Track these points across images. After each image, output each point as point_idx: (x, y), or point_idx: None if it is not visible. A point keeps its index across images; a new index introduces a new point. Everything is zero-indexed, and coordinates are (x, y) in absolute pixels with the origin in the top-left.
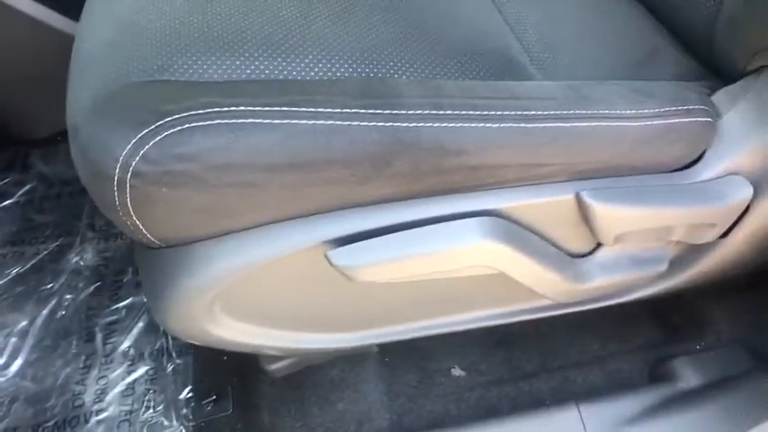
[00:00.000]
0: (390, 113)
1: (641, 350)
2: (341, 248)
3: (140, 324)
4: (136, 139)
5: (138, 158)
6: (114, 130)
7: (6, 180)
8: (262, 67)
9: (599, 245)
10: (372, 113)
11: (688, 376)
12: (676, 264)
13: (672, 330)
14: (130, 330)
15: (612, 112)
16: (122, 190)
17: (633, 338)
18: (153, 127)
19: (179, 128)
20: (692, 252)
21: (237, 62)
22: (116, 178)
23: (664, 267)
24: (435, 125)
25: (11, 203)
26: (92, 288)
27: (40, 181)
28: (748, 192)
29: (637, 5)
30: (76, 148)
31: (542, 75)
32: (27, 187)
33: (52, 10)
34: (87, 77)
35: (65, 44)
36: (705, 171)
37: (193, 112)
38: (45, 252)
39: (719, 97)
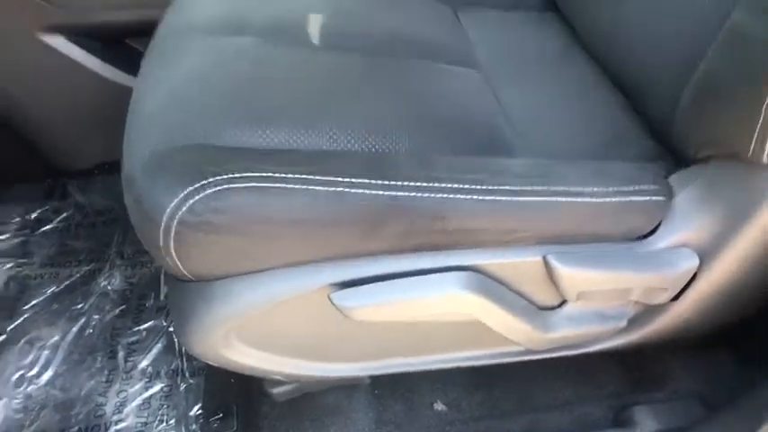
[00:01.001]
0: (388, 184)
1: (608, 397)
2: (342, 291)
3: (159, 345)
4: (183, 194)
5: (183, 210)
6: (165, 186)
7: (47, 208)
8: (288, 137)
9: (564, 300)
10: (374, 183)
11: (648, 424)
12: (635, 321)
13: (636, 380)
14: (150, 350)
15: (578, 189)
16: (167, 234)
17: (602, 386)
18: (197, 185)
19: (218, 188)
20: (649, 311)
21: (268, 131)
22: (163, 225)
23: (623, 324)
24: (425, 195)
25: (49, 229)
26: (117, 310)
27: (77, 210)
28: (695, 262)
29: (615, 92)
30: (131, 197)
31: (522, 151)
32: (64, 215)
33: (107, 63)
34: (143, 136)
35: (106, 89)
36: (658, 242)
37: (231, 176)
38: (78, 275)
39: (674, 179)
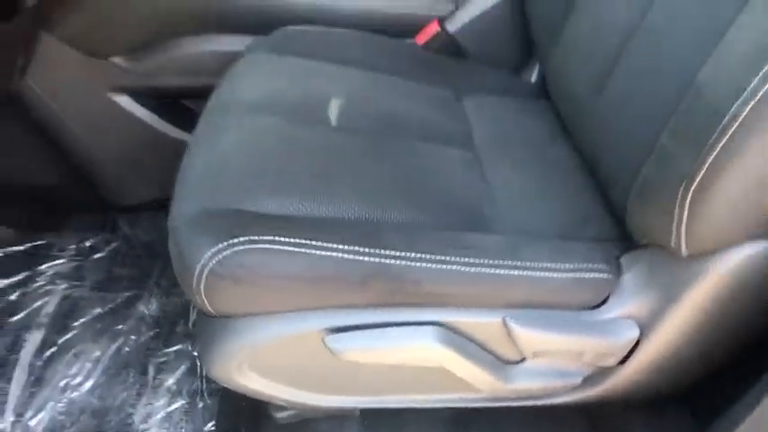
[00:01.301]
0: (375, 252)
1: None
2: (334, 335)
3: (183, 367)
4: (215, 250)
5: (213, 262)
6: (201, 241)
7: (99, 238)
8: (299, 206)
9: (524, 357)
10: (363, 251)
11: None
12: (590, 379)
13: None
14: (175, 371)
15: (538, 265)
16: (199, 279)
17: None
18: (227, 244)
19: (242, 247)
20: (602, 372)
21: (285, 200)
22: (197, 272)
23: (578, 381)
24: (404, 263)
25: (100, 257)
26: (151, 333)
27: (124, 241)
28: (636, 333)
29: (589, 177)
30: (173, 244)
31: (497, 228)
32: (114, 245)
33: (162, 119)
34: (190, 195)
35: (159, 140)
36: (606, 313)
37: (252, 238)
38: (120, 300)
39: (625, 259)
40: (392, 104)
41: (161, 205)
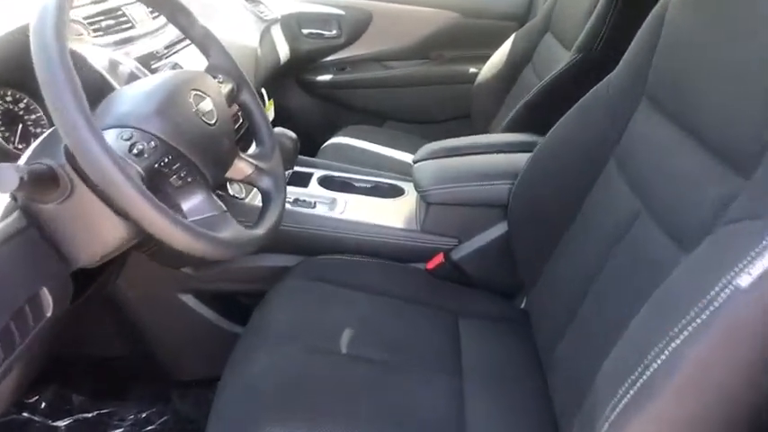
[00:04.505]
0: None
1: None
2: None
3: None
4: None
5: None
6: None
7: (153, 410)
8: (308, 426)
9: None
10: None
11: None
12: None
13: None
14: None
15: None
16: None
17: None
18: None
19: None
20: None
21: (296, 422)
22: None
23: None
24: None
25: (151, 429)
26: None
27: (173, 414)
28: None
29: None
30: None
31: None
32: (164, 418)
33: (219, 315)
34: (233, 403)
35: (214, 331)
36: None
37: None
38: None
39: None
40: (396, 331)
41: (210, 383)
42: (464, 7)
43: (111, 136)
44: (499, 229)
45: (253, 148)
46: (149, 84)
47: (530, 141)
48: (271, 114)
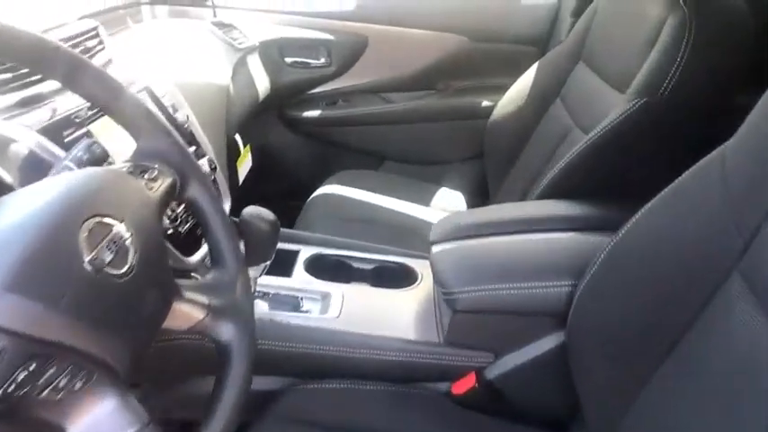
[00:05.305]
0: None
1: None
2: None
3: None
4: None
5: None
6: None
7: None
8: None
9: None
10: None
11: None
12: None
13: None
14: None
15: None
16: None
17: None
18: None
19: None
20: None
21: None
22: None
23: None
24: None
25: None
26: None
27: None
28: None
29: None
30: None
31: None
32: None
33: None
34: None
35: None
36: None
37: None
38: None
39: None
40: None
41: None
42: (474, 30)
43: None
44: (551, 341)
45: (206, 270)
46: (12, 214)
47: (584, 216)
48: (247, 164)
